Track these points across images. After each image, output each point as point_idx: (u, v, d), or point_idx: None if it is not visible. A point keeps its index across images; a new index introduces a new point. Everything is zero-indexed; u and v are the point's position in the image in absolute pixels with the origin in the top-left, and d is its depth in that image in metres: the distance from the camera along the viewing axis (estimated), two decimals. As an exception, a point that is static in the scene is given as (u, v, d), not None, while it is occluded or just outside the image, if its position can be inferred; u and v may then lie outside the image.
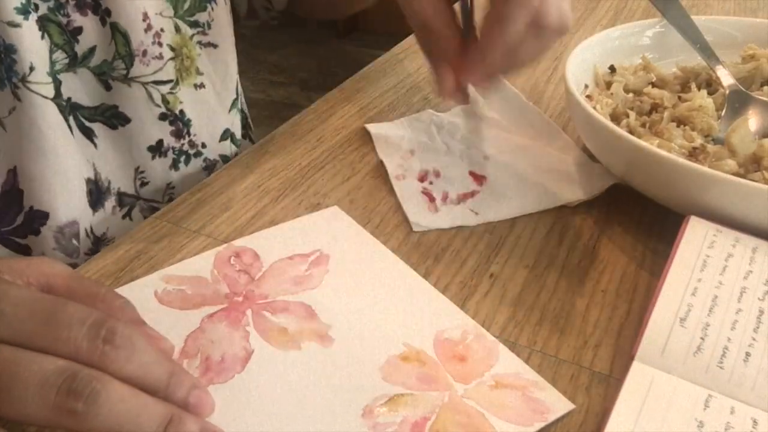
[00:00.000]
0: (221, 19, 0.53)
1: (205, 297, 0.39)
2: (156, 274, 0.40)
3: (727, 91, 0.51)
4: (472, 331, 0.37)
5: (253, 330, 0.36)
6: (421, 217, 0.45)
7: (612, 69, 0.55)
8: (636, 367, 0.33)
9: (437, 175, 0.48)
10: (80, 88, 0.47)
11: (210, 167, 0.55)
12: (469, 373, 0.34)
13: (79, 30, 0.45)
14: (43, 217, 0.46)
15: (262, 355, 0.35)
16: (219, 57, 0.54)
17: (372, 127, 0.54)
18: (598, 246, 0.43)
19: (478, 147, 0.50)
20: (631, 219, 0.46)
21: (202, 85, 0.53)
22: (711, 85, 0.53)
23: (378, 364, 0.35)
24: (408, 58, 0.68)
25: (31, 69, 0.42)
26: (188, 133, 0.53)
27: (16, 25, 0.41)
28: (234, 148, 0.58)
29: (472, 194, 0.46)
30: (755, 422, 0.31)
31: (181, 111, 0.52)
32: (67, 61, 0.45)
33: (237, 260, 0.41)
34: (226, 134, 0.57)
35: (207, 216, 0.46)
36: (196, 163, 0.55)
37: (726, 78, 0.52)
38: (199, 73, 0.52)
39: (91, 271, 0.41)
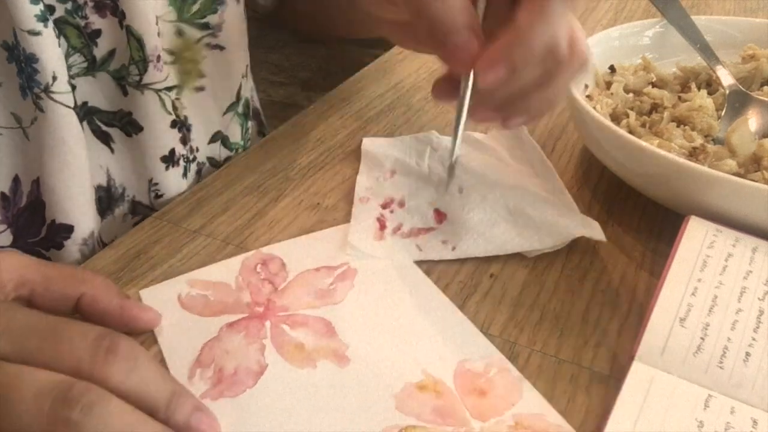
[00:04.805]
0: (233, 19, 0.52)
1: (226, 304, 0.38)
2: (183, 276, 0.40)
3: (727, 91, 0.51)
4: (497, 364, 0.34)
5: (270, 343, 0.35)
6: (362, 242, 0.42)
7: (612, 69, 0.55)
8: (636, 367, 0.33)
9: (401, 205, 0.45)
10: (99, 92, 0.45)
11: (200, 171, 0.54)
12: (488, 410, 0.32)
13: (98, 33, 0.44)
14: (67, 230, 0.45)
15: (275, 371, 0.34)
16: (225, 59, 0.53)
17: (367, 142, 0.52)
18: (598, 246, 0.43)
19: (460, 176, 0.47)
20: (631, 219, 0.46)
21: (201, 88, 0.52)
22: (711, 85, 0.53)
23: (393, 390, 0.33)
24: (408, 58, 0.68)
25: (54, 78, 0.41)
26: (190, 139, 0.52)
27: (37, 33, 0.40)
28: (226, 152, 0.56)
29: (427, 230, 0.43)
30: (755, 422, 0.31)
31: (185, 117, 0.51)
32: (85, 65, 0.44)
33: (263, 268, 0.40)
34: (217, 137, 0.55)
35: (207, 216, 0.46)
36: (193, 169, 0.53)
37: (726, 78, 0.52)
38: (200, 76, 0.51)
39: (91, 271, 0.41)
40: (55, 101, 0.41)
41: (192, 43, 0.50)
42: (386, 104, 0.60)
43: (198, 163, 0.54)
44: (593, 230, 0.42)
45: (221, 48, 0.52)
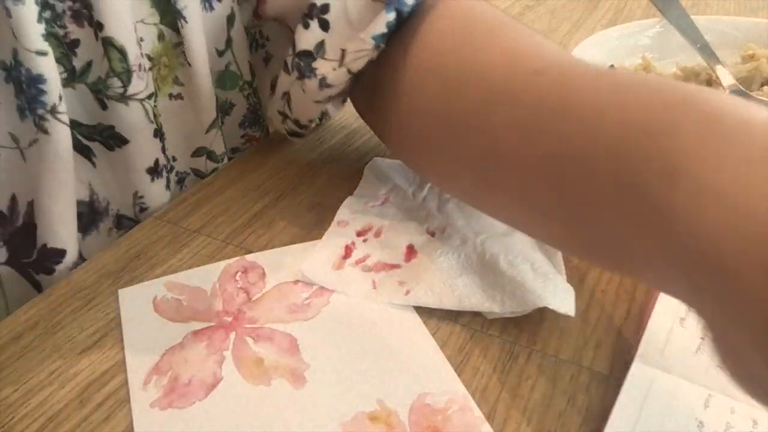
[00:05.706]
0: (191, 40, 0.47)
1: (197, 311, 0.37)
2: (161, 279, 0.40)
3: (727, 91, 0.51)
4: (459, 402, 0.32)
5: (230, 355, 0.35)
6: (315, 270, 0.40)
7: (612, 69, 0.55)
8: (636, 367, 0.33)
9: (378, 234, 0.43)
10: (78, 104, 0.43)
11: (181, 180, 0.52)
12: None
13: (76, 43, 0.42)
14: (60, 255, 0.43)
15: (228, 386, 0.33)
16: (194, 74, 0.49)
17: (373, 163, 0.50)
18: (598, 246, 0.43)
19: (450, 212, 0.44)
20: (631, 219, 0.46)
21: (179, 96, 0.49)
22: (711, 85, 0.53)
23: (342, 419, 0.31)
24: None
25: (60, 98, 0.39)
26: (165, 148, 0.49)
27: (44, 54, 0.38)
28: (212, 164, 0.53)
29: (391, 267, 0.40)
30: (755, 422, 0.31)
31: (160, 124, 0.48)
32: (65, 75, 0.42)
33: (242, 276, 0.40)
34: (201, 152, 0.52)
35: (207, 216, 0.46)
36: (173, 179, 0.51)
37: (726, 78, 0.52)
38: (178, 83, 0.48)
39: (91, 271, 0.41)
40: (61, 122, 0.40)
41: (170, 48, 0.47)
42: (386, 104, 0.60)
43: (177, 173, 0.52)
44: (563, 302, 0.37)
45: (189, 64, 0.48)
